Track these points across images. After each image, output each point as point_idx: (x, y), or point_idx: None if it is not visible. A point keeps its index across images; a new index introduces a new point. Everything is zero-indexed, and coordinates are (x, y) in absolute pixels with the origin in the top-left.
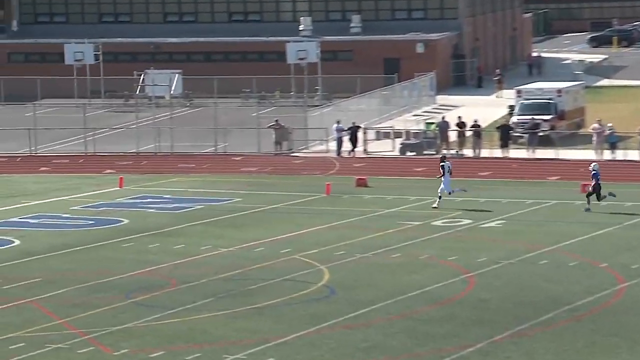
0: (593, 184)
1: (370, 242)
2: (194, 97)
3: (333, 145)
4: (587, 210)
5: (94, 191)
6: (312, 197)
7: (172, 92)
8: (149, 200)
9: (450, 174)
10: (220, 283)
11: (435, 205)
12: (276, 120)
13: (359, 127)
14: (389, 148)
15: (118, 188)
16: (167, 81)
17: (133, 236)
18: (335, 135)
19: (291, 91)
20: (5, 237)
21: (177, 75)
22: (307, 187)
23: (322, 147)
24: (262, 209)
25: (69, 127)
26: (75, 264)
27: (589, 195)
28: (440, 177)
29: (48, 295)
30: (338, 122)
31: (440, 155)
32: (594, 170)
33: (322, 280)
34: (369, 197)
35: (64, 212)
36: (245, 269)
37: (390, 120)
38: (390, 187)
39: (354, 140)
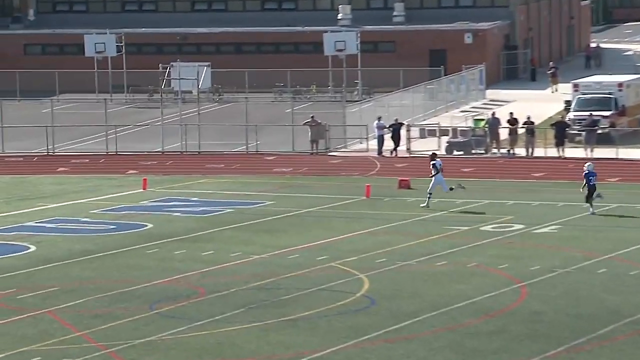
0: (584, 184)
1: (414, 249)
2: (223, 91)
3: (373, 143)
4: (593, 214)
5: (115, 193)
6: (351, 200)
7: (200, 86)
8: (174, 203)
9: (441, 171)
10: (252, 293)
11: (425, 204)
12: (312, 117)
13: (401, 124)
14: (434, 147)
15: (141, 190)
16: (194, 75)
17: (157, 242)
18: (376, 133)
19: (328, 85)
20: (20, 243)
21: (205, 68)
22: (345, 189)
23: (362, 146)
24: (296, 212)
25: (89, 124)
26: (95, 271)
27: (588, 198)
28: (433, 176)
29: (66, 305)
30: (379, 119)
31: (431, 153)
32: (587, 170)
33: (362, 290)
34: (412, 200)
35: (83, 215)
36: (278, 278)
37: (435, 116)
38: (436, 189)
39: (396, 139)
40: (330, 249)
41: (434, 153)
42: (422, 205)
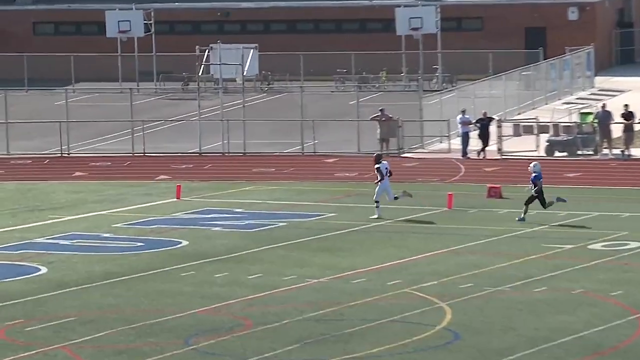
0: (534, 187)
1: (506, 272)
2: (273, 79)
3: (457, 142)
4: (521, 220)
5: (143, 203)
6: (429, 212)
7: (245, 73)
8: (214, 215)
9: (390, 175)
10: (308, 325)
11: (375, 215)
12: (381, 110)
13: (491, 119)
14: (531, 147)
15: (175, 199)
16: (238, 59)
17: (194, 262)
18: (459, 129)
19: (401, 72)
20: (29, 264)
21: (251, 51)
22: (423, 199)
23: (443, 146)
24: (362, 227)
25: (111, 119)
26: (119, 298)
27: (527, 202)
28: (378, 182)
29: (84, 339)
30: (463, 113)
31: (376, 154)
32: (534, 171)
33: (443, 322)
34: (504, 212)
35: (104, 230)
36: (340, 307)
37: (533, 109)
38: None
39: (484, 137)
40: (405, 272)
41: (378, 154)
42: (371, 217)
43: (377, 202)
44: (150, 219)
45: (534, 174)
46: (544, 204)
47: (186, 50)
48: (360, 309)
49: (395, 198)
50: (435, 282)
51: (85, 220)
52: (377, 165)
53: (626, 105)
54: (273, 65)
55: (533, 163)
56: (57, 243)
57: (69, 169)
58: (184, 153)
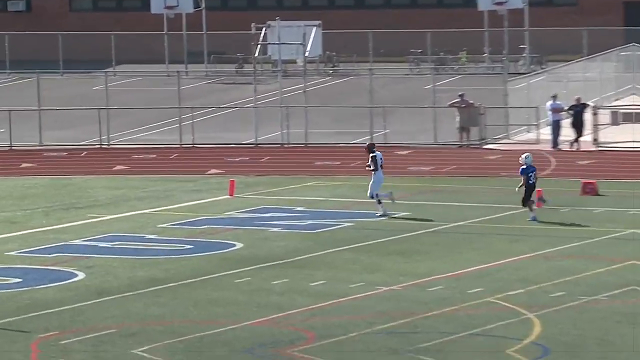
0: (521, 183)
1: (604, 279)
2: (338, 61)
3: (547, 132)
4: (533, 219)
5: (192, 201)
6: (515, 211)
7: (306, 54)
8: (272, 214)
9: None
10: (379, 338)
11: (379, 213)
12: (461, 96)
13: (585, 105)
14: (630, 137)
15: (228, 196)
16: (299, 38)
17: (250, 267)
18: (550, 117)
19: (484, 52)
20: (64, 269)
21: (314, 29)
22: (508, 196)
23: (530, 136)
24: (439, 227)
25: (156, 106)
26: (165, 308)
27: (526, 201)
28: (372, 170)
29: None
30: (554, 99)
31: (369, 142)
32: (525, 163)
33: (531, 336)
34: (600, 211)
35: (148, 231)
36: (415, 318)
37: (632, 95)
38: (634, 196)
39: (578, 126)
40: (488, 279)
41: (372, 143)
42: (377, 215)
43: (388, 195)
44: (200, 219)
45: (523, 167)
46: (525, 201)
47: (241, 29)
48: (437, 321)
49: (371, 197)
50: (522, 290)
51: (127, 219)
52: (372, 154)
53: None
54: (338, 45)
55: (525, 154)
56: (96, 245)
57: (109, 162)
58: (238, 144)
